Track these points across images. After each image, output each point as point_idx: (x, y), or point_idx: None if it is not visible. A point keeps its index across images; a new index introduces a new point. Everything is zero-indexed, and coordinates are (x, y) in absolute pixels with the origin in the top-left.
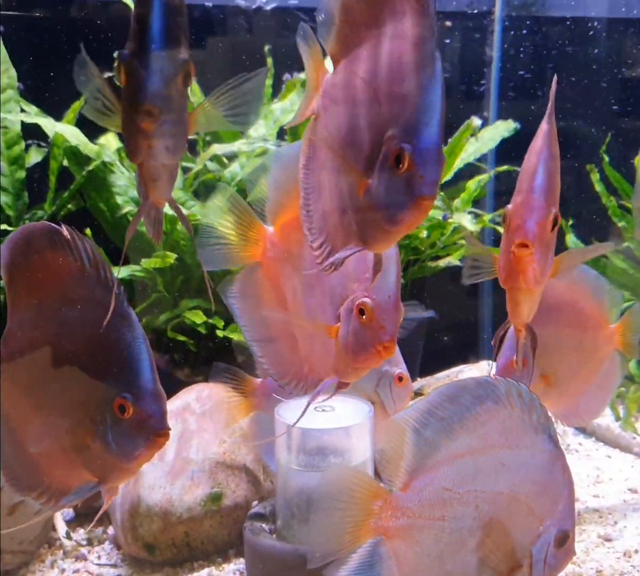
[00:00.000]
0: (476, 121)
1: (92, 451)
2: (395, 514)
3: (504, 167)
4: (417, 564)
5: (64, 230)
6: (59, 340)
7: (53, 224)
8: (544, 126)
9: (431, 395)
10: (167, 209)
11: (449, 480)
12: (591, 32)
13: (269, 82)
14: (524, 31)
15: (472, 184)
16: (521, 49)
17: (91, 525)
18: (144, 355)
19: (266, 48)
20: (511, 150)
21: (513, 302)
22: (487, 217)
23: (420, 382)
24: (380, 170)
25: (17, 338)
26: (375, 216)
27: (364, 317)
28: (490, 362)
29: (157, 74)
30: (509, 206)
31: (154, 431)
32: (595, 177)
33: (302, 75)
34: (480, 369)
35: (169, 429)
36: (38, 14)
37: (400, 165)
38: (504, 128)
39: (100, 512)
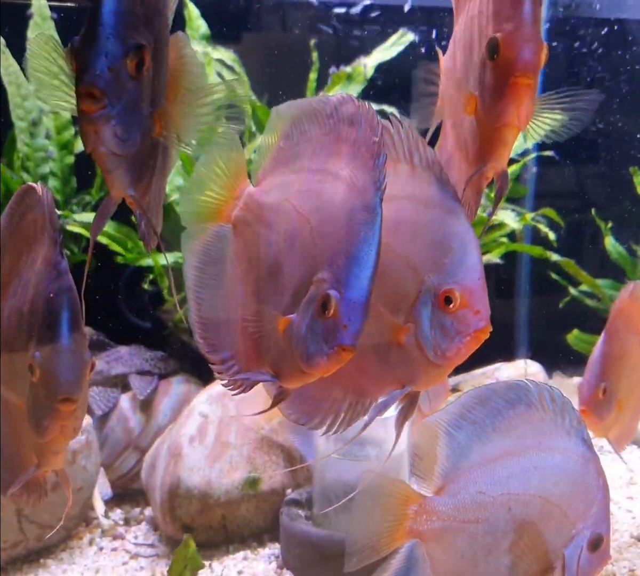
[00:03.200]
0: None
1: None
2: (430, 518)
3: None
4: (451, 566)
5: (38, 188)
6: (22, 304)
7: (32, 184)
8: None
9: (463, 398)
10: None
11: (482, 483)
12: (636, 34)
13: (314, 76)
14: (569, 32)
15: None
16: (566, 49)
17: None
18: (62, 309)
19: (311, 42)
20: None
21: (500, 141)
22: (529, 215)
23: (456, 379)
24: (304, 310)
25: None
26: (293, 353)
27: (451, 305)
28: (526, 360)
29: (101, 57)
30: (498, 34)
31: (56, 396)
32: (637, 179)
33: (348, 69)
34: (516, 367)
35: (74, 395)
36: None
37: (326, 312)
38: None
39: (70, 503)
